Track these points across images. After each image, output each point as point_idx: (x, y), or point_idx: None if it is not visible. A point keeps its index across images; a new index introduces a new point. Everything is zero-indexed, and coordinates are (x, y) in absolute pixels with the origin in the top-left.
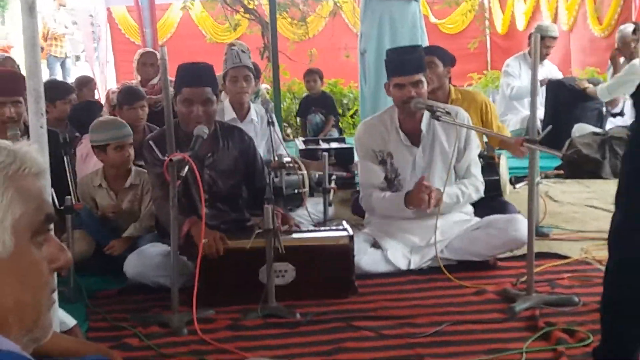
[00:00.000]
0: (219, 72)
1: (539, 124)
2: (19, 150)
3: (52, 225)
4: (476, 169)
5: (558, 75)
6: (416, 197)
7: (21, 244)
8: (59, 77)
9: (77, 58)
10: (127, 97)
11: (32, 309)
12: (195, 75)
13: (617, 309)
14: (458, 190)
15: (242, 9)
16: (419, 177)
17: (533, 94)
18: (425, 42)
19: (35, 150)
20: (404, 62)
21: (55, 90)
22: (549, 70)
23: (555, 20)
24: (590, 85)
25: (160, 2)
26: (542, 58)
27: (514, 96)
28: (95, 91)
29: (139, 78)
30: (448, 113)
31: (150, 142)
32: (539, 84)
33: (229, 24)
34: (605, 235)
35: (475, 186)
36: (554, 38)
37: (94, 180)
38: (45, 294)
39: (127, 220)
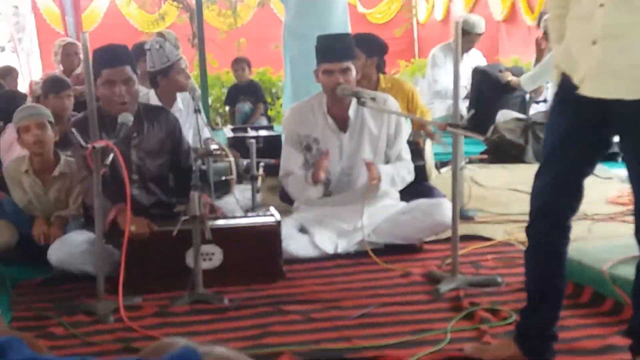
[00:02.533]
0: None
1: (464, 111)
2: None
3: None
4: (407, 155)
5: (482, 62)
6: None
7: None
8: None
9: (2, 49)
10: (53, 85)
11: None
12: (112, 55)
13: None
14: (393, 170)
15: None
16: (346, 162)
17: (455, 80)
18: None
19: None
20: (333, 48)
21: None
22: (474, 57)
23: (473, 10)
24: (514, 78)
25: None
26: (466, 50)
27: (439, 92)
28: (19, 81)
29: (61, 68)
30: (373, 99)
31: (73, 128)
32: (461, 77)
33: (158, 14)
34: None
35: (408, 168)
36: (479, 34)
37: (20, 165)
38: None
39: (52, 212)
